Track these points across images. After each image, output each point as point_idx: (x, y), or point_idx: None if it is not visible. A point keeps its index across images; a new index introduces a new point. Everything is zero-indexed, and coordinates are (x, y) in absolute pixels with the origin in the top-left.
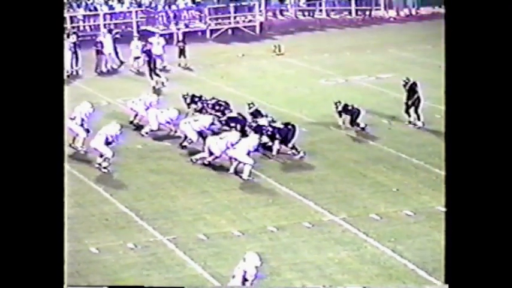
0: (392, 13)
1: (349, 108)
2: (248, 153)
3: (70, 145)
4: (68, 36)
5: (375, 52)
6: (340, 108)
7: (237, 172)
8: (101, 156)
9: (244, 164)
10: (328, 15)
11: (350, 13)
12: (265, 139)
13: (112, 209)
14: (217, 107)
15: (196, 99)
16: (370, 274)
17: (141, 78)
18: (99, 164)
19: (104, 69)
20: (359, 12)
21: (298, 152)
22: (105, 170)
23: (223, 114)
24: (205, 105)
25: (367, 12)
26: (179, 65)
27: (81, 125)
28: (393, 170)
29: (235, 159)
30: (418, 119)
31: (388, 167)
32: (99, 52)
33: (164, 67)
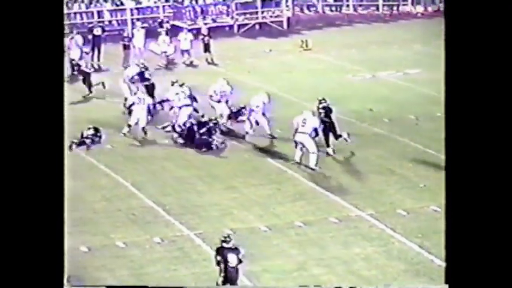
0: (419, 8)
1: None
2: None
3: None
4: (92, 30)
5: (403, 47)
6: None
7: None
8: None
9: (310, 152)
10: (355, 10)
11: (377, 8)
12: None
13: (139, 204)
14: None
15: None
16: (397, 270)
17: (168, 73)
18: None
19: (132, 64)
20: (386, 8)
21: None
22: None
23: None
24: None
25: (395, 8)
26: (206, 60)
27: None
28: (420, 165)
29: (302, 145)
30: None
31: (415, 163)
32: (126, 47)
33: (191, 62)
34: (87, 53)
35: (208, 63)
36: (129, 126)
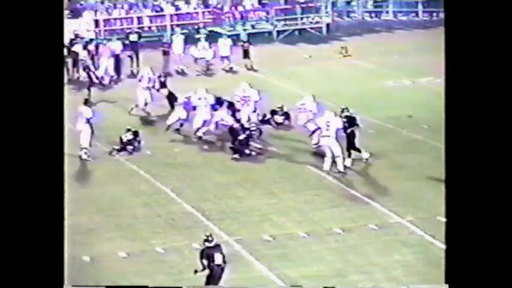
0: None
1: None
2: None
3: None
4: (128, 36)
5: (442, 54)
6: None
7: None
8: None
9: (335, 156)
10: (395, 16)
11: (417, 14)
12: None
13: (179, 209)
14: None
15: None
16: (436, 277)
17: (208, 79)
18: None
19: (172, 70)
20: (426, 14)
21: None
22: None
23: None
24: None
25: (434, 14)
26: (245, 66)
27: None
28: None
29: (330, 150)
30: None
31: None
32: (165, 53)
33: (231, 68)
34: (130, 57)
35: (248, 69)
36: (198, 129)
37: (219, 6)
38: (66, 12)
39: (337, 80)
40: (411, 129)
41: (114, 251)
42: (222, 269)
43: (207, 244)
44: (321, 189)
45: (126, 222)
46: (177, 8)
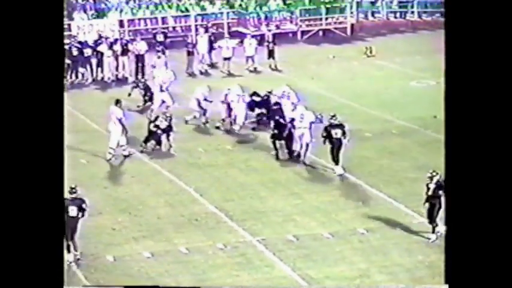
0: None
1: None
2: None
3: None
4: (155, 36)
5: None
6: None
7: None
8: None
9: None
10: (420, 17)
11: (442, 15)
12: None
13: (202, 209)
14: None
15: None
16: None
17: (232, 80)
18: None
19: (196, 70)
20: None
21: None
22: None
23: None
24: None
25: None
26: (269, 66)
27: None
28: None
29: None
30: None
31: None
32: (190, 53)
33: (255, 68)
34: (158, 56)
35: (272, 69)
36: (231, 123)
37: (244, 6)
38: (91, 12)
39: (361, 80)
40: (436, 130)
41: (138, 251)
42: (77, 221)
43: (69, 196)
44: (344, 190)
45: (150, 222)
46: (202, 8)
